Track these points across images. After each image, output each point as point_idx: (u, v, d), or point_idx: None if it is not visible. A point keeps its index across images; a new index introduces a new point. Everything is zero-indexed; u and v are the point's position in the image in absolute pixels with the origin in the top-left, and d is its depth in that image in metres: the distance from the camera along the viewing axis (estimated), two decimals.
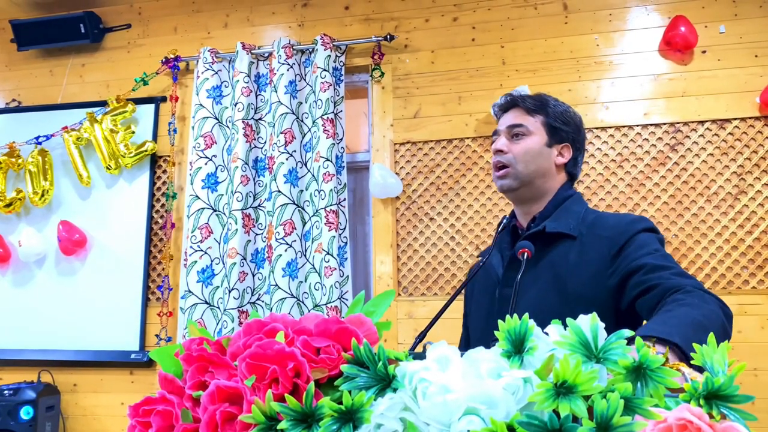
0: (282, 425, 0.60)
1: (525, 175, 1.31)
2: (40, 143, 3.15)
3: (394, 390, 0.61)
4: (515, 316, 0.62)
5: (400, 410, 0.60)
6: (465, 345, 1.48)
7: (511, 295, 1.21)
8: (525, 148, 1.31)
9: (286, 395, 0.61)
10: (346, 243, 2.79)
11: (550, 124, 1.33)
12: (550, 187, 1.33)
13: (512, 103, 1.38)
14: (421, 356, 0.65)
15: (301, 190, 2.83)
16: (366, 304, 0.80)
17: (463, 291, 1.41)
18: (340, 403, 0.59)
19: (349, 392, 0.60)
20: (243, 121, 2.87)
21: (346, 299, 2.72)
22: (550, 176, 1.33)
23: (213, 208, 2.88)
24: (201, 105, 2.96)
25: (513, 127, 1.34)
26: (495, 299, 1.29)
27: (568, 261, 1.22)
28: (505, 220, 1.36)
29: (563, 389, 0.53)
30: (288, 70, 2.88)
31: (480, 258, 1.52)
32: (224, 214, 2.89)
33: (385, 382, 0.62)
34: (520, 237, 1.31)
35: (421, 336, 1.09)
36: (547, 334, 0.62)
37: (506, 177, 1.32)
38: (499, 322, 0.62)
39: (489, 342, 0.64)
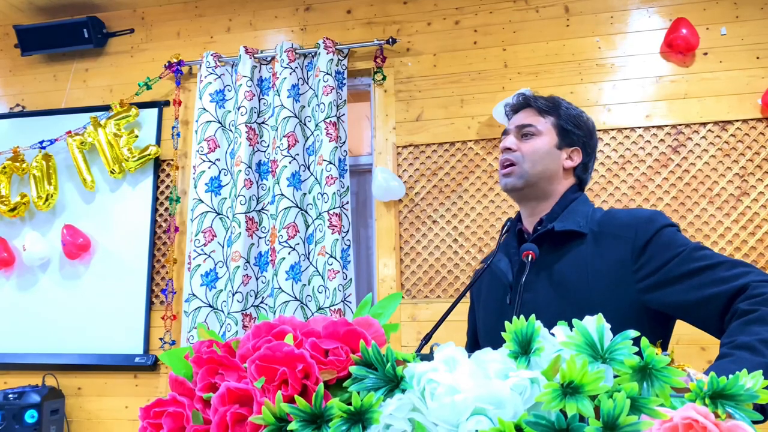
0: (292, 426, 0.60)
1: (531, 175, 1.27)
2: (44, 148, 3.17)
3: (403, 391, 0.62)
4: (522, 317, 0.62)
5: (409, 411, 0.61)
6: (472, 347, 1.46)
7: (524, 301, 1.17)
8: (533, 148, 1.28)
9: (295, 396, 0.62)
10: (349, 246, 2.79)
11: (561, 126, 1.31)
12: (557, 190, 1.30)
13: (524, 103, 1.35)
14: (428, 358, 0.66)
15: (304, 194, 2.84)
16: (373, 307, 0.81)
17: (468, 294, 1.39)
18: (349, 404, 0.60)
19: (358, 393, 0.61)
20: (246, 125, 2.88)
21: (350, 302, 2.73)
22: (557, 179, 1.30)
23: (216, 212, 2.89)
24: (204, 109, 2.97)
25: (523, 126, 1.31)
26: (506, 305, 1.25)
27: (584, 263, 1.17)
28: (509, 223, 1.33)
29: (570, 389, 0.54)
30: (291, 73, 2.90)
31: (482, 263, 1.50)
32: (228, 217, 2.90)
33: (393, 383, 0.62)
34: (527, 240, 1.28)
35: (427, 338, 1.09)
36: (553, 335, 0.62)
37: (511, 175, 1.28)
38: (506, 323, 0.63)
39: (500, 347, 0.65)
